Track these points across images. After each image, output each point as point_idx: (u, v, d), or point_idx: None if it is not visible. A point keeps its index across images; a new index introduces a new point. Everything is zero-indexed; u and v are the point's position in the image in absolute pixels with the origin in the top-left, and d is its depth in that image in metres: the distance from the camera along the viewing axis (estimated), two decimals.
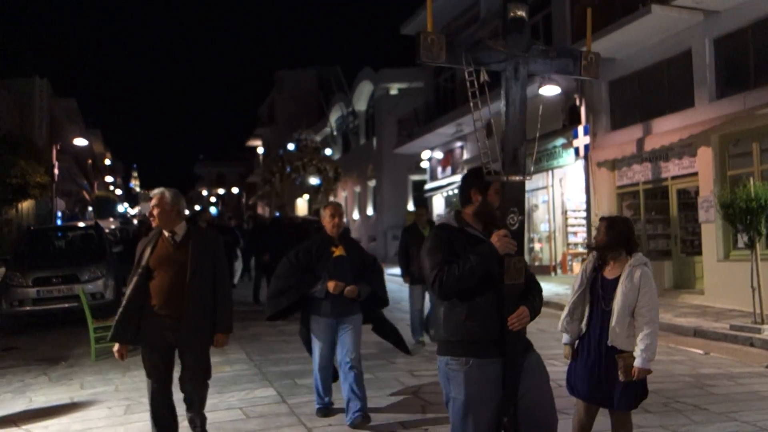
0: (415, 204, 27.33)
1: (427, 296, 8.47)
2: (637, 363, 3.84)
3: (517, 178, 3.14)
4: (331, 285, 5.17)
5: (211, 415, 5.00)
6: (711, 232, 11.72)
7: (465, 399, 3.06)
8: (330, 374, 5.49)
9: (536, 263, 17.88)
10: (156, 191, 4.47)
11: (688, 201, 13.02)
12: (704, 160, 11.97)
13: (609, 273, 3.99)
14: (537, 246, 18.23)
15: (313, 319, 5.35)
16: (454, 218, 3.29)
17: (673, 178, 13.07)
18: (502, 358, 3.07)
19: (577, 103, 13.84)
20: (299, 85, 43.61)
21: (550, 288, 13.89)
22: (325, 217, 5.41)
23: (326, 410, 5.45)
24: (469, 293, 3.05)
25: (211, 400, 5.16)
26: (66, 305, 10.91)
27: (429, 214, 24.81)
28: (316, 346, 5.36)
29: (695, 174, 12.29)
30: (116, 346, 4.44)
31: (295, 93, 43.47)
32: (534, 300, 3.18)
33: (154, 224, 4.49)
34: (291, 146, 24.51)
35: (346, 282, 5.24)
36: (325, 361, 5.36)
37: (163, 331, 4.39)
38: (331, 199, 24.37)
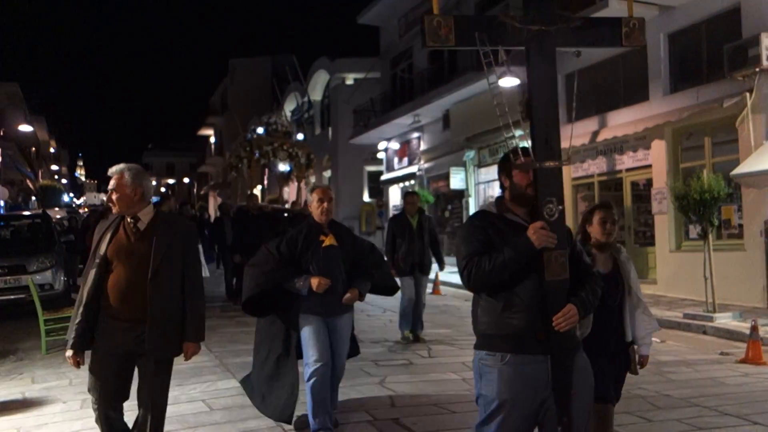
0: (371, 193, 27.32)
1: (421, 291, 8.35)
2: (644, 351, 3.84)
3: (552, 164, 2.88)
4: (314, 281, 4.48)
5: (173, 408, 4.85)
6: (664, 223, 11.99)
7: (496, 398, 2.80)
8: (329, 399, 4.69)
9: None
10: (115, 169, 3.73)
11: (642, 193, 13.29)
12: (658, 153, 12.22)
13: (602, 267, 3.73)
14: None
15: (302, 318, 4.65)
16: (495, 204, 3.04)
17: (628, 170, 13.32)
18: (547, 356, 2.80)
19: None
20: (253, 73, 43.03)
21: None
22: (313, 201, 4.72)
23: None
24: (506, 284, 2.80)
25: (173, 393, 5.00)
26: (12, 297, 10.49)
27: (384, 205, 24.96)
28: (307, 347, 4.61)
29: (649, 166, 12.54)
30: (69, 352, 3.66)
31: (248, 82, 42.88)
32: (586, 296, 2.89)
33: (114, 211, 3.75)
34: (260, 130, 22.36)
35: (338, 277, 4.62)
36: (320, 366, 4.57)
37: (122, 337, 3.63)
38: (301, 186, 23.14)
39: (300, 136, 25.59)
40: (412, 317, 8.28)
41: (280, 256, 4.60)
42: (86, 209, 41.20)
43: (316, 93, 31.05)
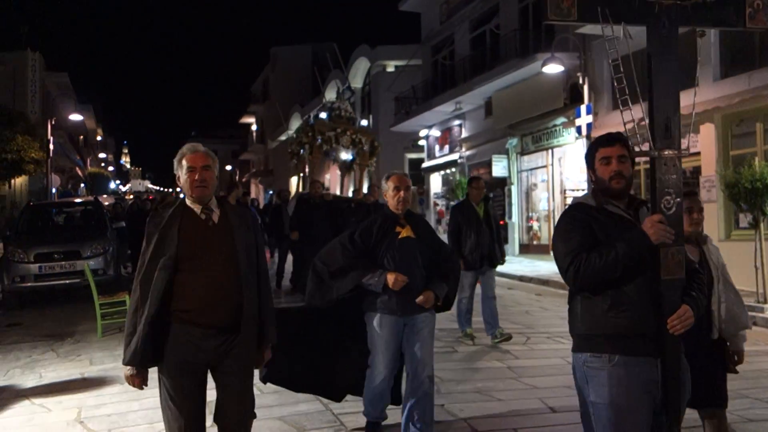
0: (412, 182, 27.32)
1: (477, 287, 7.66)
2: (740, 346, 3.64)
3: (671, 152, 2.76)
4: (390, 278, 4.01)
5: None
6: (713, 211, 11.76)
7: (610, 403, 2.61)
8: (389, 392, 4.35)
9: (535, 242, 17.95)
10: (200, 147, 3.23)
11: (689, 180, 13.04)
12: (707, 140, 11.98)
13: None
14: (535, 225, 18.28)
15: (371, 317, 4.18)
16: (592, 195, 2.84)
17: None
18: (658, 358, 2.64)
19: (580, 81, 13.80)
20: (294, 61, 43.27)
21: (549, 267, 13.95)
22: (388, 189, 4.23)
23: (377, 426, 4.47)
24: (614, 281, 2.61)
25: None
26: (68, 281, 10.88)
27: (425, 193, 24.92)
28: (374, 349, 4.17)
29: (698, 154, 12.31)
30: (130, 370, 3.08)
31: (289, 70, 43.14)
32: (697, 295, 2.72)
33: (201, 194, 3.12)
34: (323, 115, 20.99)
35: (415, 272, 4.13)
36: (387, 372, 4.17)
37: (202, 346, 3.06)
38: (361, 175, 21.28)
39: (364, 122, 24.36)
40: (488, 315, 7.52)
41: (354, 247, 4.16)
42: (131, 196, 42.15)
43: (356, 81, 31.12)
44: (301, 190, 19.87)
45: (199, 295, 3.04)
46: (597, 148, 2.87)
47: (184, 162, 3.15)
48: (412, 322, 4.16)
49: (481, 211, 7.60)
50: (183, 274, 3.05)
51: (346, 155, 21.17)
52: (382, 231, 4.21)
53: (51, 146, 23.67)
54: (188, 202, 3.19)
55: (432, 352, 4.21)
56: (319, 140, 19.37)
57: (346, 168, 22.16)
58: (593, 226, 2.71)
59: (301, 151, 20.15)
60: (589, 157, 2.88)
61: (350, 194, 19.30)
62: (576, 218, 2.76)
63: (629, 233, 2.62)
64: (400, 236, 4.21)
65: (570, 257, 2.66)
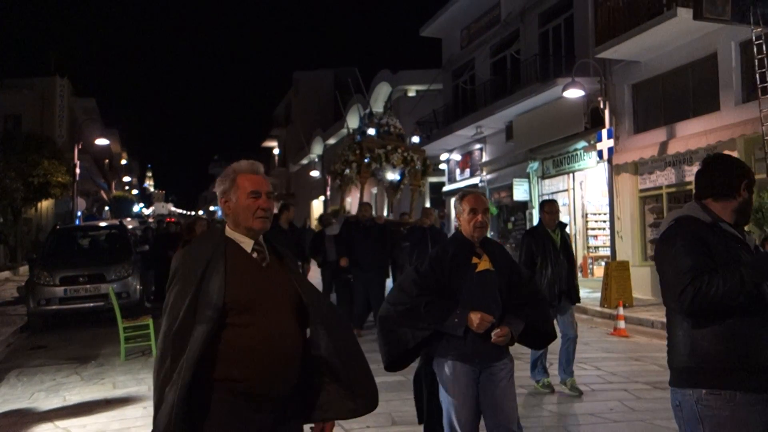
0: (432, 204, 27.36)
1: (571, 323, 6.48)
2: None
3: None
4: (475, 318, 3.32)
5: None
6: None
7: None
8: None
9: None
10: (260, 167, 2.68)
11: None
12: None
13: None
14: None
15: (441, 364, 3.47)
16: (702, 209, 2.63)
17: None
18: None
19: (601, 105, 13.79)
20: (316, 86, 43.74)
21: None
22: (463, 212, 3.57)
23: None
24: (730, 308, 2.40)
25: None
26: (92, 304, 11.02)
27: (446, 216, 24.77)
28: (448, 404, 3.44)
29: None
30: None
31: (312, 94, 43.61)
32: None
33: (261, 226, 2.51)
34: (371, 131, 18.40)
35: (495, 310, 3.44)
36: (465, 429, 3.43)
37: (250, 424, 2.37)
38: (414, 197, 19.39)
39: (416, 139, 21.84)
40: (564, 358, 6.41)
41: (424, 280, 3.46)
42: (154, 219, 42.62)
43: (378, 105, 31.35)
44: (329, 212, 18.90)
45: (256, 358, 2.33)
46: (745, 175, 2.68)
47: (240, 182, 2.51)
48: (489, 369, 3.47)
49: (558, 239, 6.55)
50: (231, 330, 2.34)
51: (392, 175, 19.24)
52: (455, 262, 3.50)
53: (77, 170, 24.08)
54: (232, 233, 2.49)
55: (515, 403, 3.55)
56: (368, 159, 17.52)
57: (393, 189, 20.15)
58: (710, 244, 2.50)
59: (346, 170, 18.41)
60: (747, 175, 2.68)
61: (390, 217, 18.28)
62: (695, 235, 2.52)
63: (755, 257, 2.45)
64: (477, 269, 3.53)
65: (689, 277, 2.41)
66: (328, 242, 10.68)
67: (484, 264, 3.53)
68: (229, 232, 2.51)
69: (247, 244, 2.49)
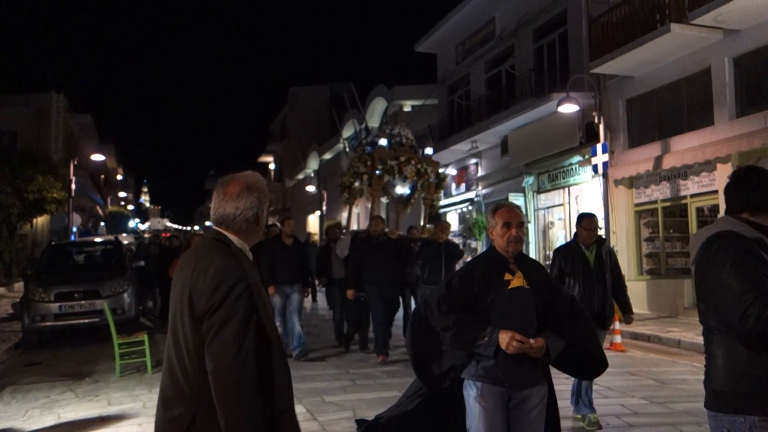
0: (433, 221, 27.37)
1: None
2: None
3: None
4: (505, 337, 3.04)
5: None
6: None
7: None
8: None
9: None
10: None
11: (707, 219, 12.99)
12: (724, 179, 11.88)
13: None
14: None
15: (469, 386, 3.24)
16: (743, 224, 2.51)
17: (692, 196, 13.06)
18: None
19: (596, 120, 13.86)
20: (312, 101, 43.87)
21: None
22: (496, 226, 3.33)
23: None
24: None
25: None
26: (87, 321, 10.96)
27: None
28: (475, 429, 3.19)
29: (715, 192, 12.28)
30: None
31: (308, 109, 43.73)
32: None
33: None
34: (383, 141, 17.16)
35: (529, 330, 3.14)
36: None
37: None
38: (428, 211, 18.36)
39: (429, 151, 20.16)
40: (579, 388, 5.81)
41: (453, 299, 3.22)
42: (150, 234, 42.54)
43: (373, 120, 31.42)
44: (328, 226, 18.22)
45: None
46: None
47: (265, 202, 2.43)
48: (520, 396, 3.20)
49: (593, 257, 5.95)
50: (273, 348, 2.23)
51: (402, 189, 18.21)
52: (486, 278, 3.25)
53: (73, 186, 24.05)
54: (239, 244, 2.35)
55: None
56: (379, 171, 16.39)
57: (402, 203, 18.93)
58: (760, 260, 2.35)
59: (356, 183, 17.31)
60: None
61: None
62: (749, 251, 2.38)
63: None
64: (510, 286, 3.26)
65: (750, 297, 2.25)
66: (335, 258, 10.23)
67: (517, 281, 3.26)
68: (236, 242, 2.35)
69: (244, 250, 2.38)
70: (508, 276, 3.27)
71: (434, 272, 9.30)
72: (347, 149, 34.92)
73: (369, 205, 31.49)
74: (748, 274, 2.29)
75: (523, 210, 18.45)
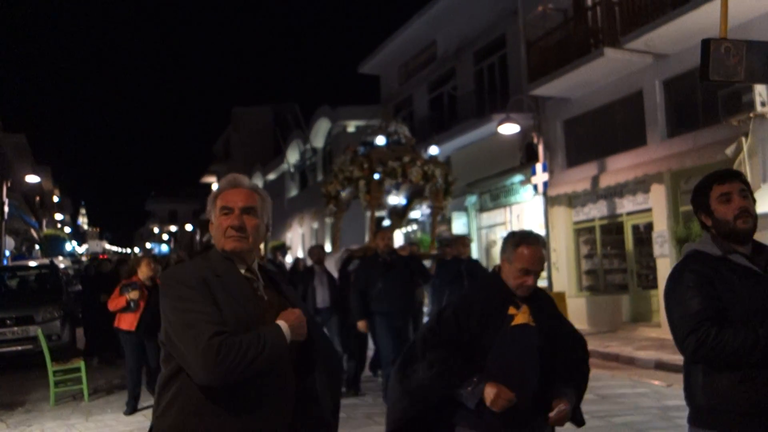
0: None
1: None
2: None
3: None
4: (490, 392, 2.62)
5: None
6: (666, 266, 12.06)
7: None
8: None
9: None
10: (244, 180, 2.34)
11: (643, 236, 13.41)
12: (657, 197, 12.38)
13: None
14: None
15: None
16: (712, 241, 2.44)
17: (628, 213, 13.48)
18: None
19: (535, 141, 14.20)
20: (255, 121, 43.61)
21: None
22: (512, 264, 2.82)
23: None
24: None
25: None
26: (20, 348, 10.56)
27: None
28: None
29: (649, 210, 12.70)
30: None
31: (251, 129, 43.44)
32: None
33: (238, 247, 2.17)
34: (381, 140, 14.15)
35: (530, 376, 2.76)
36: None
37: None
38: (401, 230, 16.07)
39: (434, 150, 16.56)
40: None
41: (442, 333, 2.79)
42: (88, 257, 41.29)
43: (318, 140, 31.45)
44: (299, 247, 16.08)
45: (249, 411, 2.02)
46: (710, 185, 2.48)
47: (218, 200, 2.25)
48: None
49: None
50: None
51: (396, 199, 15.72)
52: (486, 312, 2.80)
53: (5, 209, 23.22)
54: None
55: None
56: (378, 175, 13.42)
57: (398, 216, 16.24)
58: (716, 282, 2.31)
59: (343, 192, 14.59)
60: (700, 200, 2.50)
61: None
62: (698, 273, 2.33)
63: None
64: (514, 321, 2.82)
65: (691, 324, 2.27)
66: (318, 283, 8.94)
67: (522, 317, 2.81)
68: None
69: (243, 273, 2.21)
70: (512, 310, 2.83)
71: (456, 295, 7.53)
72: (291, 169, 34.88)
73: (317, 223, 31.46)
74: (697, 299, 2.28)
75: (467, 229, 18.70)
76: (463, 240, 8.78)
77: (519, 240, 2.83)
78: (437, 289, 8.32)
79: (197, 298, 1.99)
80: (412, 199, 15.71)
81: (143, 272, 7.67)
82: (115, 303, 7.52)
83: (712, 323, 2.24)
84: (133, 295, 7.38)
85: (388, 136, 14.31)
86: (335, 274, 9.21)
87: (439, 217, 15.35)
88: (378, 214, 26.43)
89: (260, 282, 2.20)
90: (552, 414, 2.69)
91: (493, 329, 2.76)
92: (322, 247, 9.93)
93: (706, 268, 2.34)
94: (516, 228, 17.02)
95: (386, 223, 14.61)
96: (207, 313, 1.96)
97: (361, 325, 7.42)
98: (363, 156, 13.93)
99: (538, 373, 2.77)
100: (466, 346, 2.75)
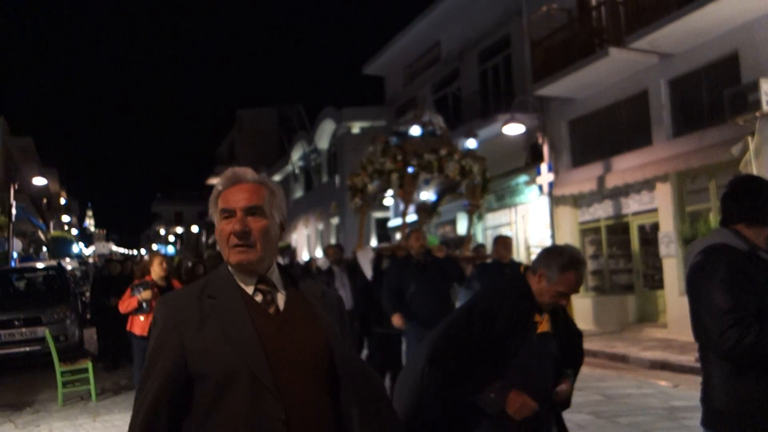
0: (379, 241, 27.46)
1: None
2: None
3: None
4: (516, 401, 2.60)
5: None
6: (672, 266, 12.06)
7: None
8: None
9: None
10: (247, 173, 1.89)
11: (649, 236, 13.39)
12: (663, 197, 12.37)
13: None
14: None
15: None
16: (736, 236, 2.38)
17: (634, 214, 13.46)
18: None
19: (540, 141, 14.19)
20: (260, 123, 43.70)
21: None
22: (552, 281, 2.74)
23: None
24: None
25: None
26: (28, 349, 10.61)
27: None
28: None
29: (655, 210, 12.68)
30: None
31: (256, 131, 43.53)
32: None
33: (242, 259, 1.80)
34: (416, 130, 12.82)
35: (547, 385, 2.80)
36: None
37: None
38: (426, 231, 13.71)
39: (472, 144, 15.05)
40: None
41: (467, 338, 2.69)
42: (95, 259, 41.40)
43: (322, 142, 31.50)
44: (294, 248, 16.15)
45: None
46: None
47: (219, 202, 1.86)
48: None
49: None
50: (225, 405, 1.67)
51: (426, 195, 14.33)
52: (515, 317, 2.72)
53: (13, 211, 23.30)
54: (232, 272, 1.84)
55: None
56: (412, 168, 12.17)
57: (426, 212, 14.78)
58: (750, 277, 2.24)
59: (370, 185, 13.11)
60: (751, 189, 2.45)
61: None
62: (732, 265, 2.26)
63: None
64: (538, 330, 2.79)
65: (732, 318, 2.17)
66: (340, 285, 8.55)
67: (544, 325, 2.80)
68: (228, 269, 1.86)
69: (248, 285, 1.82)
70: (537, 317, 2.79)
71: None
72: (296, 170, 34.92)
73: (323, 224, 31.51)
74: (734, 293, 2.20)
75: (472, 230, 18.67)
76: (504, 241, 7.64)
77: (569, 263, 2.71)
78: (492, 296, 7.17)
79: (157, 349, 1.73)
80: (443, 195, 14.43)
81: (155, 271, 7.17)
82: (126, 304, 7.05)
83: (754, 318, 2.16)
84: (146, 295, 6.90)
85: (423, 126, 13.08)
86: (369, 274, 8.64)
87: (476, 215, 14.05)
88: (377, 215, 26.55)
89: (278, 291, 1.82)
90: (559, 387, 2.79)
91: (519, 336, 2.70)
92: (340, 247, 9.35)
93: (736, 260, 2.28)
94: (521, 228, 17.08)
95: (405, 221, 13.49)
96: (156, 375, 1.69)
97: (397, 319, 6.65)
98: (396, 147, 12.59)
99: (552, 380, 2.79)
100: (491, 350, 2.65)
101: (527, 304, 2.75)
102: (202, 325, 1.71)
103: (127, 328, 7.28)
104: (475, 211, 13.90)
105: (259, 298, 1.80)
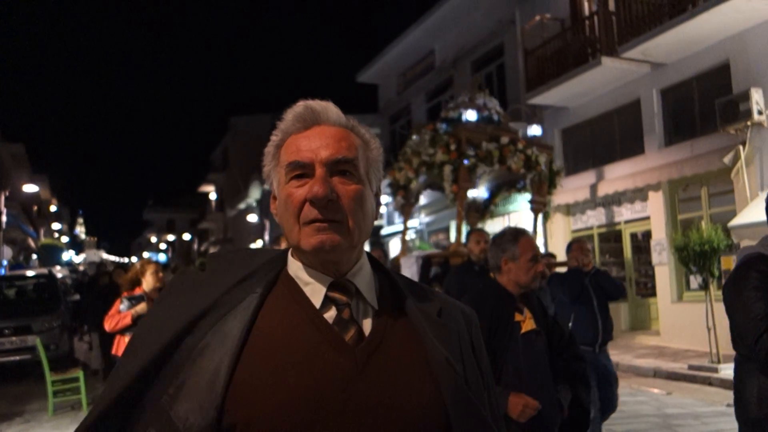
0: (372, 247, 27.39)
1: None
2: None
3: None
4: (518, 404, 2.55)
5: None
6: (665, 274, 12.09)
7: None
8: None
9: None
10: (326, 110, 1.28)
11: (641, 244, 13.43)
12: (655, 205, 12.41)
13: None
14: None
15: None
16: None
17: (626, 222, 13.50)
18: None
19: None
20: (253, 130, 43.58)
21: None
22: (520, 257, 2.78)
23: None
24: None
25: None
26: (18, 358, 10.53)
27: (383, 258, 24.60)
28: None
29: (647, 218, 12.72)
30: None
31: (249, 138, 43.44)
32: None
33: (305, 243, 1.10)
34: (472, 115, 10.73)
35: (548, 385, 2.74)
36: None
37: None
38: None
39: (537, 130, 13.60)
40: None
41: None
42: (85, 266, 41.18)
43: None
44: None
45: None
46: None
47: (282, 153, 1.22)
48: None
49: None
50: None
51: (476, 191, 12.21)
52: (495, 321, 2.67)
53: (3, 218, 23.18)
54: (294, 266, 1.18)
55: None
56: (467, 160, 10.09)
57: (476, 211, 12.66)
58: None
59: (415, 180, 11.17)
60: None
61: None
62: (765, 274, 2.32)
63: None
64: (522, 330, 2.73)
65: (765, 323, 2.23)
66: None
67: (528, 323, 2.72)
68: (291, 262, 1.19)
69: (316, 289, 1.14)
70: (518, 316, 2.74)
71: (584, 320, 5.91)
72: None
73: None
74: (766, 300, 2.25)
75: (465, 237, 18.64)
76: (582, 245, 6.19)
77: (514, 234, 2.85)
78: (561, 309, 6.22)
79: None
80: (498, 192, 12.52)
81: (149, 282, 5.81)
82: (115, 321, 5.61)
83: None
84: (140, 309, 5.57)
85: (478, 110, 10.97)
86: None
87: (540, 215, 12.10)
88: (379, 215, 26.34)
89: (364, 304, 1.14)
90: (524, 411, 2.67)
91: (503, 338, 2.66)
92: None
93: None
94: None
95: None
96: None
97: None
98: (448, 134, 10.47)
99: (551, 380, 2.76)
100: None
101: (506, 305, 2.74)
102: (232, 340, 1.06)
103: (113, 351, 5.96)
104: (541, 210, 11.83)
105: (330, 314, 1.11)
